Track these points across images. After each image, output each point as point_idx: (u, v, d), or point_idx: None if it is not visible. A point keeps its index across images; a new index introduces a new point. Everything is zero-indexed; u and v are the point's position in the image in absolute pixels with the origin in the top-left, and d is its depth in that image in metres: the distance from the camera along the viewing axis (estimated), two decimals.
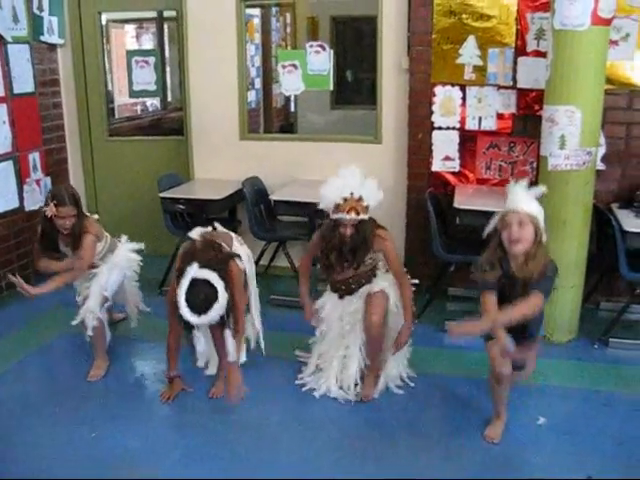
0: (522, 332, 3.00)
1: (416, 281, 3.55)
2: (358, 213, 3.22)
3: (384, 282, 3.46)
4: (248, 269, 3.54)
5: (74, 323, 3.68)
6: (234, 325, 3.22)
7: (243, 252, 3.50)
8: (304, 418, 3.42)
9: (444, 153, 4.68)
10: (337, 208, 3.22)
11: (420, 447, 3.14)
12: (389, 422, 3.35)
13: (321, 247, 3.42)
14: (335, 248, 3.33)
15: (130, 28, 7.98)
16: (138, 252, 3.88)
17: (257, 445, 3.17)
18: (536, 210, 2.93)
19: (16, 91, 4.97)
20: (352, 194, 3.20)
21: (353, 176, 3.25)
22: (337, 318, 3.52)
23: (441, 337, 4.29)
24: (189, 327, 3.10)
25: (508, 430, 3.23)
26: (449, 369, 3.86)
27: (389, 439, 3.21)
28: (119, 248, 3.84)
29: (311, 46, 4.97)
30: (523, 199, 2.94)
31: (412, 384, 3.60)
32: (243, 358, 3.50)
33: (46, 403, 3.55)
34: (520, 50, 4.38)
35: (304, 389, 3.56)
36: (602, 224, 4.12)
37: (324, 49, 4.91)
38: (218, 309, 3.01)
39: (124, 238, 3.92)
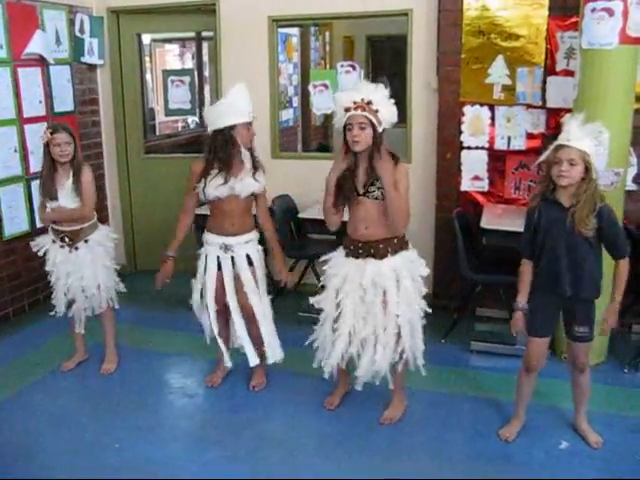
0: (575, 295, 3.05)
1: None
2: (364, 111, 3.11)
3: (397, 259, 3.28)
4: (259, 268, 3.71)
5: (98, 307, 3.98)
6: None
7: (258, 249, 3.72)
8: (325, 434, 3.43)
9: (473, 173, 4.67)
10: (346, 111, 3.13)
11: (441, 467, 3.12)
12: (410, 441, 3.34)
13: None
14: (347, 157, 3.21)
15: (172, 47, 8.21)
16: None
17: (276, 461, 3.19)
18: (589, 147, 2.91)
19: (57, 110, 5.17)
20: (362, 99, 3.12)
21: (367, 85, 3.20)
22: (338, 275, 3.34)
23: (467, 357, 4.26)
24: None
25: (530, 453, 3.20)
26: (474, 390, 3.83)
27: (409, 458, 3.20)
28: (99, 229, 3.97)
29: (342, 66, 5.03)
30: (577, 134, 2.91)
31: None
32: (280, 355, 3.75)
33: (73, 413, 3.65)
34: (550, 69, 4.36)
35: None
36: (633, 245, 4.04)
37: (354, 69, 4.97)
38: None
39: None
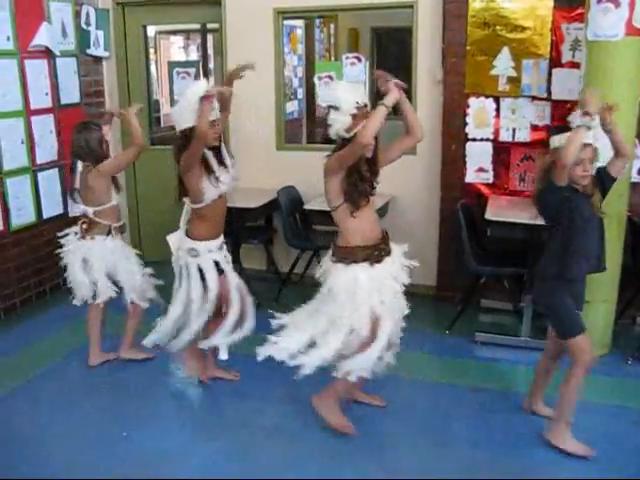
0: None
1: None
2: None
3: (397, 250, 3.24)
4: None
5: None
6: None
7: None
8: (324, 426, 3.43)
9: (478, 164, 4.68)
10: (355, 118, 3.00)
11: (441, 458, 3.14)
12: (413, 431, 3.36)
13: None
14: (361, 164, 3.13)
15: (177, 39, 8.20)
16: None
17: (281, 451, 3.22)
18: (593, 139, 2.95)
19: (63, 102, 5.19)
20: (365, 105, 3.04)
21: (359, 87, 3.17)
22: (373, 289, 3.11)
23: (472, 348, 4.27)
24: None
25: (533, 444, 3.21)
26: (478, 381, 3.84)
27: (413, 448, 3.23)
28: (99, 239, 3.93)
29: (347, 57, 5.04)
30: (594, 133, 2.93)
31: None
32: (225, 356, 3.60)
33: (80, 402, 3.68)
34: (555, 61, 4.35)
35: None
36: (637, 237, 4.05)
37: (360, 60, 4.98)
38: None
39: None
